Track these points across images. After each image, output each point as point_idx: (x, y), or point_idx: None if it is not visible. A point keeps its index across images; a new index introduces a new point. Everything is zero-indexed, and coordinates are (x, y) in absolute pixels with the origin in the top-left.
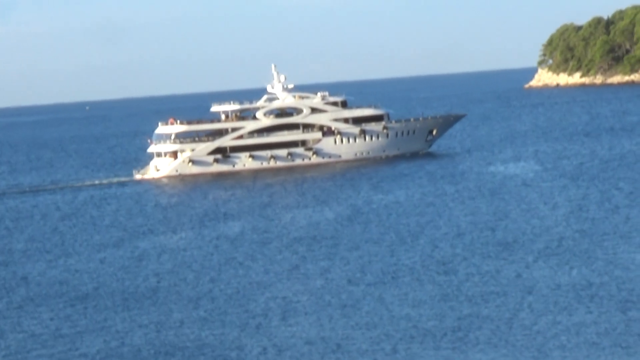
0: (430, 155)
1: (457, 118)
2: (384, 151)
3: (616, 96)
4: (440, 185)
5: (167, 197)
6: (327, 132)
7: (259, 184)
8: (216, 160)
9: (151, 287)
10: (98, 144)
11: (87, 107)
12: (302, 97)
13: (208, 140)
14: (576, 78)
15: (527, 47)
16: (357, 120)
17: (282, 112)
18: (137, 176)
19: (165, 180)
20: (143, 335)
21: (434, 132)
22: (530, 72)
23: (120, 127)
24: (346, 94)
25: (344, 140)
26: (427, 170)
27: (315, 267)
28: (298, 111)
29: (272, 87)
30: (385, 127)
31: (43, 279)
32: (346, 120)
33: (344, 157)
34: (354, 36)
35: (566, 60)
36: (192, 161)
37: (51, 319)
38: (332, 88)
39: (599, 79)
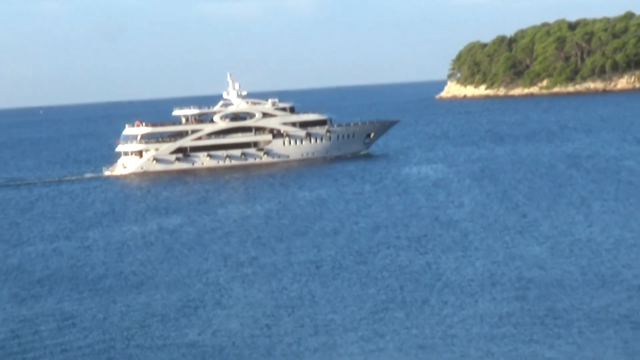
0: (356, 157)
1: (392, 123)
2: (327, 152)
3: (517, 106)
4: (359, 185)
5: (127, 192)
6: (276, 134)
7: (210, 181)
8: (178, 159)
9: (99, 274)
10: (68, 143)
11: (41, 111)
12: (255, 103)
13: (170, 141)
14: (481, 90)
15: (437, 62)
16: (303, 124)
17: (236, 116)
18: (107, 172)
19: (131, 177)
20: (91, 318)
21: (372, 136)
22: (440, 85)
23: (84, 129)
24: (293, 100)
25: (292, 142)
26: (348, 171)
27: (246, 256)
28: (251, 115)
29: (228, 94)
30: (328, 131)
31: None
32: (294, 124)
33: (292, 157)
34: (289, 49)
35: (473, 74)
36: (156, 159)
37: (8, 302)
38: (275, 95)
39: (501, 91)
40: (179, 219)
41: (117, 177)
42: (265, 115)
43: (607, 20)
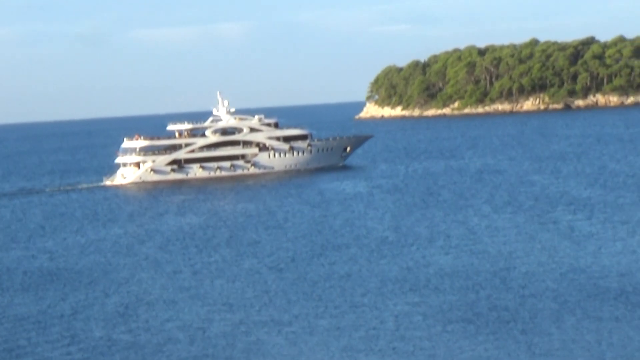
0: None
1: (366, 138)
2: (308, 164)
3: (431, 126)
4: (284, 199)
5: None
6: (262, 148)
7: (165, 196)
8: (173, 170)
9: (50, 270)
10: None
11: None
12: (242, 119)
13: (166, 153)
14: (398, 111)
15: (356, 85)
16: (286, 139)
17: (225, 131)
18: (107, 182)
19: (130, 186)
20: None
21: (348, 149)
22: (360, 106)
23: (52, 144)
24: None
25: (276, 155)
26: (271, 187)
27: (181, 264)
28: (239, 130)
29: (217, 110)
30: (309, 145)
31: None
32: (278, 139)
33: (276, 168)
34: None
35: (390, 96)
36: (153, 170)
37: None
38: (254, 112)
39: (416, 112)
40: (132, 227)
41: (116, 187)
42: (252, 130)
43: (513, 46)
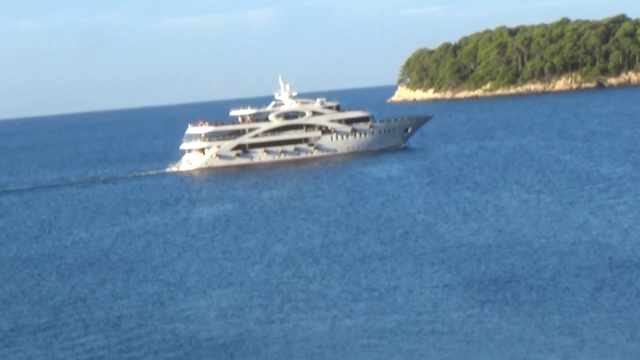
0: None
1: (427, 119)
2: (370, 146)
3: (463, 108)
4: (319, 185)
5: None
6: (325, 131)
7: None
8: (238, 155)
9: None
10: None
11: (18, 123)
12: (304, 103)
13: (231, 139)
14: (430, 94)
15: (388, 68)
16: (348, 121)
17: (288, 115)
18: (173, 169)
19: (196, 172)
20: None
21: (409, 130)
22: (391, 89)
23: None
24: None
25: (339, 137)
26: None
27: (218, 249)
28: (301, 114)
29: (279, 95)
30: (371, 127)
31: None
32: (340, 121)
33: (339, 151)
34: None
35: (421, 79)
36: (219, 156)
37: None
38: (316, 95)
39: (448, 94)
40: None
41: (182, 173)
42: (314, 113)
43: (544, 26)
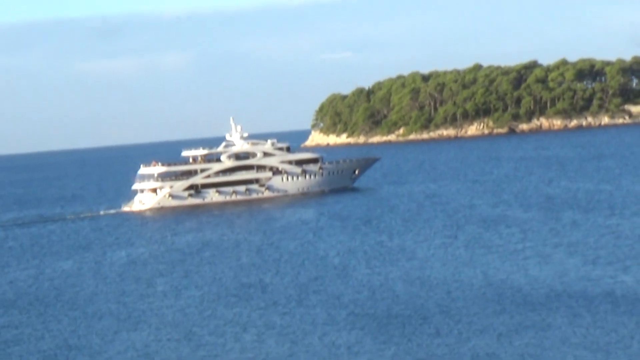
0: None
1: (375, 160)
2: (319, 187)
3: (377, 153)
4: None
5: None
6: (276, 172)
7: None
8: (190, 195)
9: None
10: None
11: None
12: (255, 144)
13: (183, 179)
14: (343, 138)
15: (302, 113)
16: (299, 162)
17: (239, 156)
18: (125, 208)
19: (148, 212)
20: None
21: (357, 172)
22: (305, 134)
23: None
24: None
25: (290, 178)
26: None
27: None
28: (252, 155)
29: (231, 136)
30: (321, 168)
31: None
32: (290, 162)
33: (290, 192)
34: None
35: (335, 124)
36: (171, 196)
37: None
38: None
39: (362, 139)
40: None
41: (134, 213)
42: (265, 154)
43: (457, 72)
